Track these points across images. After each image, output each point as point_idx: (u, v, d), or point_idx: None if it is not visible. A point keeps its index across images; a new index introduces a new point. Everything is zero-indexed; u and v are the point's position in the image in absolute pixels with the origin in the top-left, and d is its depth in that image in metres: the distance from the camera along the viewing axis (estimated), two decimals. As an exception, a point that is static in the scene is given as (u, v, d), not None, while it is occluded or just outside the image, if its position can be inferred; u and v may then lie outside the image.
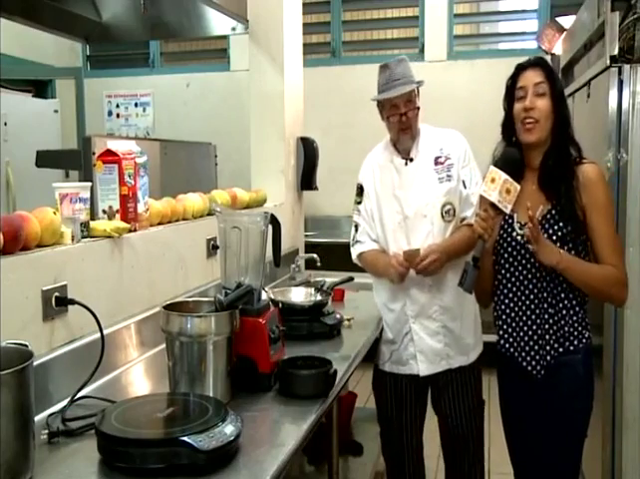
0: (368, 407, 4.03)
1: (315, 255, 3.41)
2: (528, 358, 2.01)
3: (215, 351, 1.67)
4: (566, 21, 4.42)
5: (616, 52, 2.61)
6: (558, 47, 4.52)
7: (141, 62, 6.41)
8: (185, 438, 1.31)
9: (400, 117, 2.35)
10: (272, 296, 2.43)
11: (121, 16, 3.81)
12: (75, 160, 3.46)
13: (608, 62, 2.63)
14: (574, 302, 1.97)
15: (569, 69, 3.88)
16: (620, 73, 2.61)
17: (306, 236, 4.32)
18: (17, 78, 5.56)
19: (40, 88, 6.00)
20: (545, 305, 1.97)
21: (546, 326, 1.97)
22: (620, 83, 2.61)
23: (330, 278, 2.90)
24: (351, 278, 2.89)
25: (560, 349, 1.97)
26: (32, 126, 5.00)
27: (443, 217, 2.36)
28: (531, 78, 1.95)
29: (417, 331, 2.41)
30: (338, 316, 2.46)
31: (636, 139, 2.60)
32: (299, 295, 2.60)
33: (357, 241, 2.54)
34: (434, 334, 2.40)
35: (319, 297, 2.53)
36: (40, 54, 5.85)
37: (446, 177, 2.36)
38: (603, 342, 2.74)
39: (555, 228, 1.93)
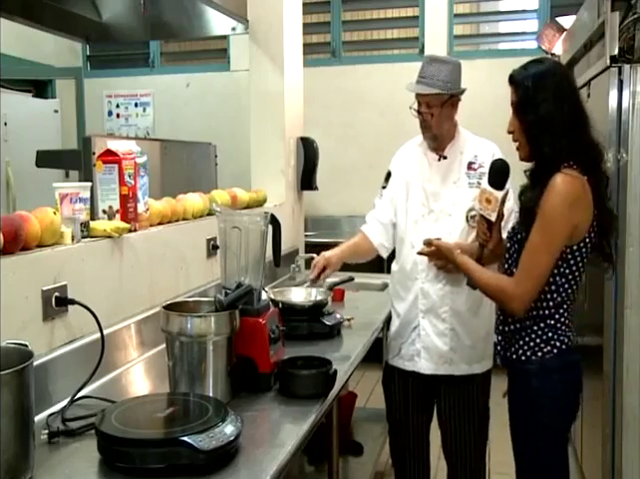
0: (368, 407, 4.03)
1: (315, 255, 3.40)
2: (498, 347, 2.05)
3: (215, 351, 1.67)
4: (566, 21, 4.42)
5: (616, 52, 2.61)
6: (558, 47, 4.52)
7: (141, 62, 6.40)
8: (185, 438, 1.31)
9: (418, 113, 2.38)
10: (272, 296, 2.43)
11: (121, 16, 3.81)
12: (75, 160, 3.45)
13: (608, 62, 2.63)
14: (540, 313, 1.93)
15: (569, 69, 3.88)
16: (620, 73, 2.61)
17: (306, 236, 4.32)
18: (17, 78, 5.56)
19: (40, 88, 5.99)
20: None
21: (508, 320, 1.97)
22: (620, 83, 2.61)
23: (330, 278, 2.89)
24: (351, 278, 2.89)
25: (514, 356, 1.96)
26: (32, 126, 5.00)
27: (467, 221, 2.37)
28: (511, 97, 1.95)
29: (425, 328, 2.41)
30: (338, 316, 2.47)
31: (636, 139, 2.60)
32: (299, 295, 2.60)
33: (365, 220, 2.63)
34: (441, 335, 2.39)
35: (319, 297, 2.53)
36: (40, 54, 5.85)
37: (476, 183, 2.36)
38: (603, 342, 2.74)
39: (517, 230, 1.95)
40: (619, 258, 2.65)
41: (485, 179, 2.04)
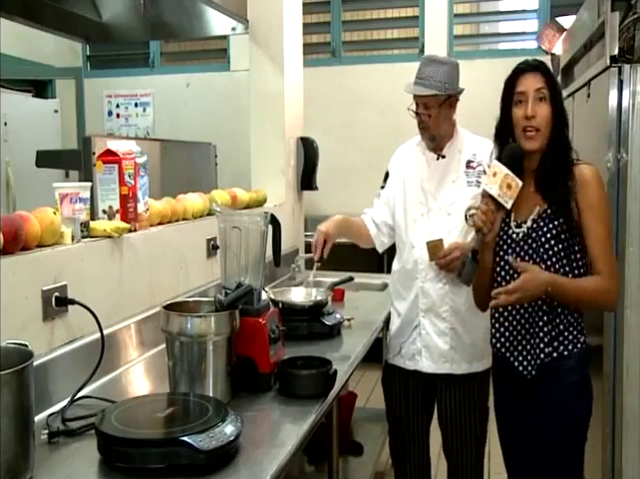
0: (368, 407, 4.04)
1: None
2: (520, 358, 1.97)
3: (215, 351, 1.68)
4: (566, 21, 4.42)
5: (616, 52, 2.61)
6: (558, 47, 4.52)
7: (141, 62, 6.41)
8: (185, 438, 1.32)
9: (416, 114, 2.38)
10: (272, 296, 2.43)
11: (121, 16, 3.81)
12: (75, 160, 3.46)
13: (608, 62, 2.63)
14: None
15: (569, 69, 3.88)
16: (620, 73, 2.61)
17: (306, 236, 4.32)
18: (17, 78, 5.56)
19: (40, 88, 6.00)
20: (540, 303, 1.94)
21: (540, 324, 1.93)
22: (620, 83, 2.61)
23: (330, 278, 2.90)
24: (351, 278, 2.89)
25: (554, 354, 1.92)
26: (32, 126, 5.00)
27: (466, 219, 2.37)
28: (532, 83, 1.91)
29: (425, 326, 2.41)
30: (338, 316, 2.47)
31: (636, 139, 2.59)
32: (299, 295, 2.60)
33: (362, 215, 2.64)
34: (441, 334, 2.40)
35: (319, 297, 2.53)
36: (40, 54, 5.85)
37: (475, 181, 2.36)
38: (603, 342, 2.73)
39: (550, 226, 1.91)
40: (619, 258, 2.65)
41: (497, 162, 1.96)
